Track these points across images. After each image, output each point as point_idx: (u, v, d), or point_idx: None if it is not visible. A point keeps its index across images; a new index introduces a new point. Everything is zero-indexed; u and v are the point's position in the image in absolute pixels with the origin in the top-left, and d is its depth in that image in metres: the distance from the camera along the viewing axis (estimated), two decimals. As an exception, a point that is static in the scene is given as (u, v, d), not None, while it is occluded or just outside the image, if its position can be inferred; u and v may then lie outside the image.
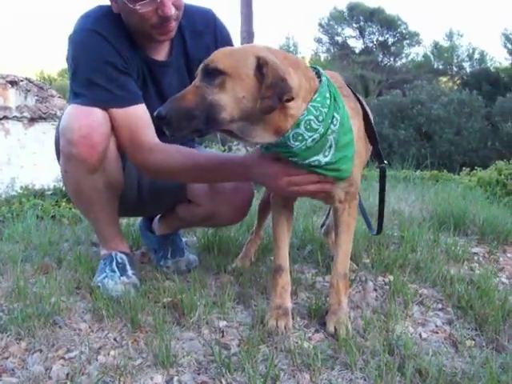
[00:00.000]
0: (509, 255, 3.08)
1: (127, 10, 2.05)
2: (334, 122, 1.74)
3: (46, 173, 8.69)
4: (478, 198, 5.15)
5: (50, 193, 5.70)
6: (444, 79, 42.24)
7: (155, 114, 1.63)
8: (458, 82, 39.45)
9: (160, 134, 2.09)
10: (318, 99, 1.72)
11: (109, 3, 2.18)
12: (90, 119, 2.07)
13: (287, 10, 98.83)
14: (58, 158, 2.30)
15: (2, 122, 15.18)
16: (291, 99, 1.62)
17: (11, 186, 7.27)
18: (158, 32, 2.13)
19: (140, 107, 2.16)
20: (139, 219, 3.12)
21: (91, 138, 2.07)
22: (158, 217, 2.85)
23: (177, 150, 2.14)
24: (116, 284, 2.20)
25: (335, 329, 1.89)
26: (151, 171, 2.18)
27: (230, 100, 1.61)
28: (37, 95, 17.51)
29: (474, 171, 8.38)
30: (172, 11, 2.05)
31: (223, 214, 2.46)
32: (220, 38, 2.40)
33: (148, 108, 2.17)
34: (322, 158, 1.76)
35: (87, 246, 3.08)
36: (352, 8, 42.75)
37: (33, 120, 15.73)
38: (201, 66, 1.68)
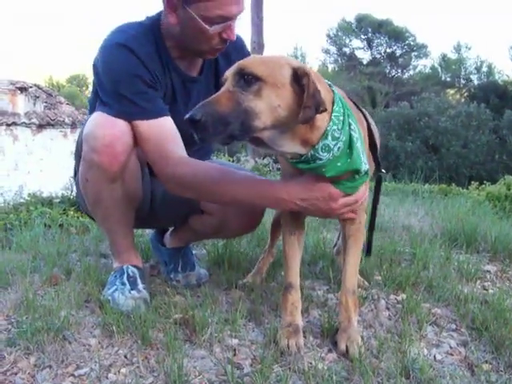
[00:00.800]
0: (522, 273, 3.04)
1: (195, 27, 2.06)
2: (353, 128, 1.74)
3: (53, 179, 8.69)
4: (487, 213, 5.13)
5: (57, 201, 5.68)
6: (451, 91, 42.34)
7: (188, 116, 1.55)
8: (466, 94, 39.54)
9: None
10: (337, 109, 1.71)
11: (142, 19, 2.24)
12: (114, 129, 2.07)
13: (296, 20, 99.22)
14: (78, 163, 2.30)
15: (11, 128, 15.29)
16: (325, 110, 1.61)
17: (19, 193, 7.26)
18: (211, 52, 2.19)
19: (167, 119, 2.15)
20: (151, 232, 3.11)
21: (114, 148, 2.07)
22: (170, 230, 2.83)
23: (209, 165, 2.15)
24: (126, 299, 2.18)
25: (346, 347, 1.86)
26: (178, 184, 2.09)
27: (265, 108, 1.58)
28: (45, 102, 17.64)
29: (483, 186, 8.34)
30: (235, 37, 2.12)
31: (235, 222, 2.46)
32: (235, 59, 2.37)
33: (175, 123, 2.17)
34: (364, 166, 1.78)
35: (96, 257, 3.06)
36: (360, 19, 42.94)
37: (41, 126, 15.84)
38: (233, 70, 1.65)
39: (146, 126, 2.10)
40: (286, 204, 1.88)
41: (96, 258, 3.01)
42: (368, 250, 2.38)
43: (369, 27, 43.20)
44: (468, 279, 2.74)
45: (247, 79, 1.60)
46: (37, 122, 15.70)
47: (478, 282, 2.74)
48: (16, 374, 1.72)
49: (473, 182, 8.93)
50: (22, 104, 16.38)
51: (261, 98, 1.58)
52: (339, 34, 44.70)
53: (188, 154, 2.12)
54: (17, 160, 14.97)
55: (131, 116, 2.10)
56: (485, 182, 8.56)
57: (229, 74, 1.66)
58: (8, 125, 15.18)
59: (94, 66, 2.19)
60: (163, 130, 2.13)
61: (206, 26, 2.03)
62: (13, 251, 3.24)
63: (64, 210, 5.21)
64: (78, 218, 4.85)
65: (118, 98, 2.09)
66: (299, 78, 1.61)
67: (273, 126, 1.62)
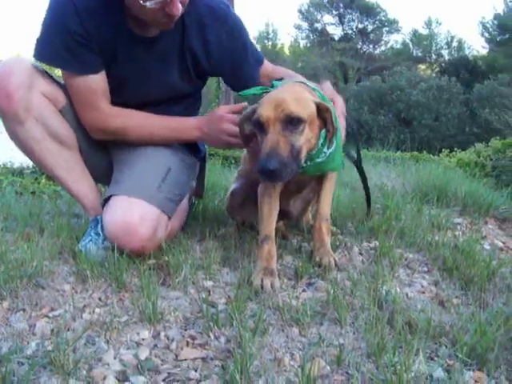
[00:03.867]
0: (490, 226, 3.10)
1: (133, 1, 1.95)
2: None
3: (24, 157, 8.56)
4: (458, 176, 5.20)
5: (29, 171, 5.61)
6: (423, 67, 42.56)
7: (263, 169, 1.72)
8: (437, 69, 39.75)
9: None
10: None
11: None
12: (7, 67, 2.13)
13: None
14: None
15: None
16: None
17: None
18: (159, 24, 2.09)
19: (94, 77, 2.19)
20: None
21: (6, 86, 2.10)
22: None
23: (134, 111, 2.32)
24: (98, 249, 2.16)
25: (320, 260, 2.10)
26: (108, 133, 2.31)
27: (304, 142, 1.84)
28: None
29: (454, 153, 8.44)
30: (179, 11, 1.98)
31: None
32: (225, 37, 2.29)
33: (115, 77, 2.23)
34: (326, 150, 2.03)
35: (69, 217, 3.02)
36: (332, -6, 42.75)
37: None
38: (281, 116, 1.78)
39: (71, 79, 2.18)
40: (196, 133, 2.34)
41: (69, 218, 2.97)
42: (368, 204, 2.80)
43: (340, 3, 43.10)
44: (439, 229, 2.79)
45: (294, 122, 1.79)
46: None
47: (449, 231, 2.78)
48: (-11, 317, 1.71)
49: (443, 150, 9.04)
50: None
51: (302, 135, 1.82)
52: (311, 9, 44.54)
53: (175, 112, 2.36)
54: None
55: (52, 62, 2.17)
56: (455, 149, 8.65)
57: (274, 118, 1.79)
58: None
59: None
60: (91, 86, 2.19)
61: (141, 1, 1.90)
62: (-17, 213, 3.18)
63: (36, 178, 5.14)
64: (50, 185, 4.80)
65: (47, 42, 2.11)
66: (321, 111, 1.88)
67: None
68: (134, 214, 2.06)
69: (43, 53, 2.13)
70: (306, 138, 1.83)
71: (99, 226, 2.24)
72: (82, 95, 2.20)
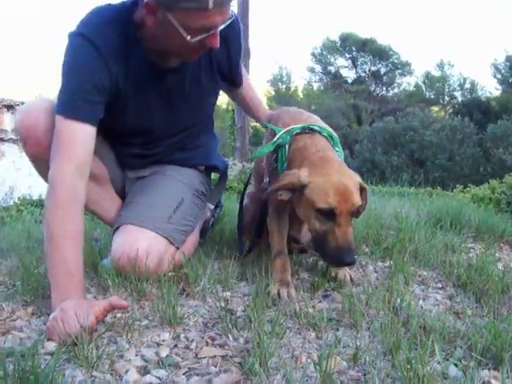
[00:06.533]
0: (505, 252, 3.11)
1: (174, 35, 1.85)
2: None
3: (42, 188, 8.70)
4: (472, 207, 5.21)
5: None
6: (436, 109, 42.73)
7: (342, 262, 1.91)
8: (450, 111, 39.87)
9: None
10: None
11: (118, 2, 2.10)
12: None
13: (280, 38, 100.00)
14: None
15: (-2, 144, 15.27)
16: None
17: (10, 193, 7.24)
18: (185, 57, 2.08)
19: (88, 128, 1.98)
20: None
21: (35, 135, 2.09)
22: None
23: (78, 212, 1.92)
24: None
25: (336, 274, 2.16)
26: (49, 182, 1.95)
27: None
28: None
29: (468, 188, 8.43)
30: (218, 44, 1.93)
31: None
32: (237, 42, 2.36)
33: (148, 109, 2.23)
34: None
35: (88, 240, 3.08)
36: (344, 38, 43.44)
37: (28, 143, 15.77)
38: (351, 208, 1.88)
39: (62, 121, 1.97)
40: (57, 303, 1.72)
41: (88, 241, 3.03)
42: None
43: (353, 46, 43.73)
44: (453, 251, 2.81)
45: (356, 211, 1.93)
46: (24, 139, 15.68)
47: (463, 254, 2.80)
48: (15, 320, 1.76)
49: (458, 186, 9.04)
50: (8, 121, 16.37)
51: None
52: (324, 52, 45.19)
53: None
54: (4, 177, 14.90)
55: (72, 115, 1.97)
56: (469, 185, 8.64)
57: (345, 211, 1.87)
58: (-5, 141, 15.20)
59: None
60: (81, 134, 1.97)
61: (188, 37, 1.83)
62: (6, 235, 3.27)
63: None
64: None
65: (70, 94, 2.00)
66: (361, 190, 1.97)
67: None
68: (141, 245, 2.09)
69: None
70: None
71: None
72: (68, 141, 1.96)
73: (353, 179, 1.94)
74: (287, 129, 2.16)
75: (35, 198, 6.15)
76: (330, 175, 1.89)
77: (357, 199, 1.88)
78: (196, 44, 1.88)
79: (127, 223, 2.19)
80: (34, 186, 14.16)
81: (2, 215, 4.68)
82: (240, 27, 2.37)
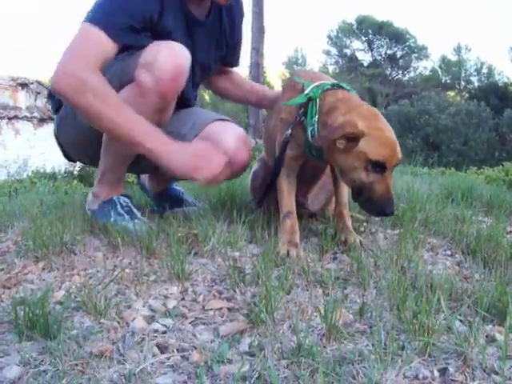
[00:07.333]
0: (516, 227, 3.09)
1: None
2: None
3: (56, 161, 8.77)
4: (484, 185, 5.19)
5: (60, 176, 5.74)
6: (452, 93, 42.33)
7: (383, 212, 1.96)
8: (466, 96, 39.47)
9: None
10: None
11: None
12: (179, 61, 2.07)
13: (296, 21, 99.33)
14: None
15: (13, 121, 15.33)
16: None
17: (23, 166, 7.29)
18: None
19: (115, 46, 2.00)
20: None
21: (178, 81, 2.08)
22: (147, 179, 2.95)
23: (114, 92, 1.96)
24: (128, 223, 2.23)
25: (345, 238, 2.17)
26: (76, 87, 1.89)
27: None
28: (47, 97, 17.66)
29: (482, 170, 8.39)
30: None
31: None
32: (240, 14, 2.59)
33: None
34: None
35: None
36: (361, 21, 43.03)
37: (42, 121, 15.88)
38: (395, 162, 1.92)
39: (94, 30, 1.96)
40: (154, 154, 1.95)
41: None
42: None
43: (369, 29, 43.33)
44: (463, 223, 2.79)
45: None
46: (38, 116, 15.77)
47: (474, 226, 2.79)
48: (26, 274, 1.79)
49: (471, 167, 8.99)
50: (23, 99, 16.44)
51: None
52: (340, 35, 44.85)
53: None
54: (19, 154, 14.98)
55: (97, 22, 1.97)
56: (483, 167, 8.60)
57: (393, 164, 1.92)
58: (9, 118, 15.25)
59: None
60: (106, 48, 1.98)
61: None
62: (18, 202, 3.30)
63: (68, 182, 5.27)
64: (81, 188, 4.92)
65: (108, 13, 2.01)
66: None
67: None
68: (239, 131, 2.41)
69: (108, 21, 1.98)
70: None
71: (118, 207, 2.32)
72: (91, 46, 1.96)
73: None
74: (317, 83, 2.14)
75: (49, 170, 6.17)
76: (384, 129, 1.91)
77: (400, 155, 1.91)
78: None
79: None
80: (47, 160, 14.39)
81: (15, 186, 4.72)
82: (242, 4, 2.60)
